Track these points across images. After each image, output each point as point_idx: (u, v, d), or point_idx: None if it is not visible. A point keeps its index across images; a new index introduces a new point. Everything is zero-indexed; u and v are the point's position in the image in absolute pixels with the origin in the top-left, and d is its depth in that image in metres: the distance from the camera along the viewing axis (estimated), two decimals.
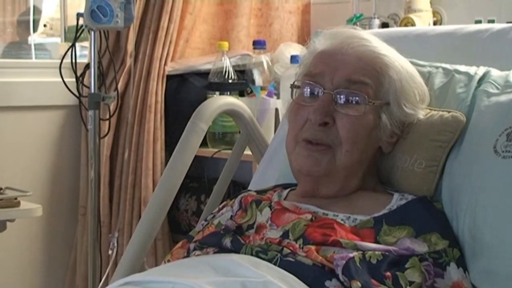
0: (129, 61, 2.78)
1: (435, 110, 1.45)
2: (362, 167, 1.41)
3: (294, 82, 1.47)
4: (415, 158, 1.42)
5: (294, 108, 1.44)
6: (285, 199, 1.45)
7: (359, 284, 1.17)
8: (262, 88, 2.64)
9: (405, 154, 1.43)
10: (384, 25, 2.74)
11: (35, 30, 3.34)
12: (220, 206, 1.53)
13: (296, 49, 2.70)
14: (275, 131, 2.26)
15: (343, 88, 1.38)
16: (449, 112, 1.43)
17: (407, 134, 1.44)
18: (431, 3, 2.69)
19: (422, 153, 1.41)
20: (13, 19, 3.46)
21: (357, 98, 1.37)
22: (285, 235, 1.30)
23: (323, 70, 1.40)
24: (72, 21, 3.02)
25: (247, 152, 1.97)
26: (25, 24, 3.40)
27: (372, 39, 1.45)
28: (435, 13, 2.70)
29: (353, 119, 1.37)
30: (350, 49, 1.40)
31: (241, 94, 2.67)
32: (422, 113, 1.44)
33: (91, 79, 2.45)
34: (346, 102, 1.38)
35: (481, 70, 1.49)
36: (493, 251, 1.26)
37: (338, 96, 1.38)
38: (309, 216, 1.34)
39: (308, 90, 1.42)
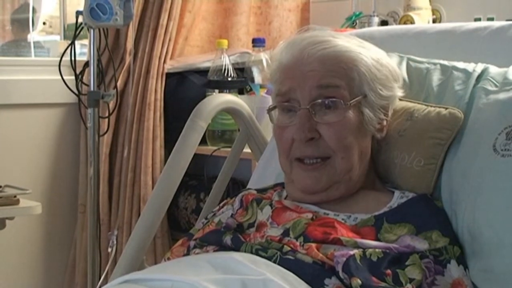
0: (128, 59, 2.78)
1: (432, 107, 1.45)
2: (363, 164, 1.41)
3: (269, 106, 1.46)
4: (414, 156, 1.42)
5: (277, 131, 1.43)
6: (285, 198, 1.45)
7: (359, 282, 1.17)
8: (261, 86, 2.64)
9: (404, 152, 1.43)
10: (384, 23, 2.74)
11: (33, 28, 3.33)
12: (221, 205, 1.53)
13: None
14: None
15: (316, 98, 1.36)
16: (446, 108, 1.43)
17: (405, 131, 1.44)
18: (430, 1, 2.68)
19: (421, 151, 1.41)
20: (13, 16, 3.46)
21: (333, 104, 1.36)
22: (285, 233, 1.31)
23: (292, 86, 1.39)
24: (71, 19, 3.01)
25: (247, 150, 1.97)
26: (19, 22, 3.39)
27: (330, 37, 1.42)
28: (434, 11, 2.70)
29: (337, 127, 1.36)
30: (310, 57, 1.38)
31: (241, 92, 2.66)
32: (400, 91, 1.45)
33: (90, 77, 2.45)
34: (324, 112, 1.37)
35: (479, 67, 1.49)
36: (492, 250, 1.26)
37: (315, 107, 1.37)
38: (309, 215, 1.34)
39: (285, 110, 1.41)
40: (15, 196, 2.33)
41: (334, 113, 1.37)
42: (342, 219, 1.34)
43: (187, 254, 1.40)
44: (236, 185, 2.54)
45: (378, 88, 1.41)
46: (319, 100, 1.37)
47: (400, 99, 1.48)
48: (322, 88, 1.37)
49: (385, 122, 1.44)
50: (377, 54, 1.45)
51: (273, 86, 1.47)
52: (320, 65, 1.37)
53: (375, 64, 1.42)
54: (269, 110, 1.46)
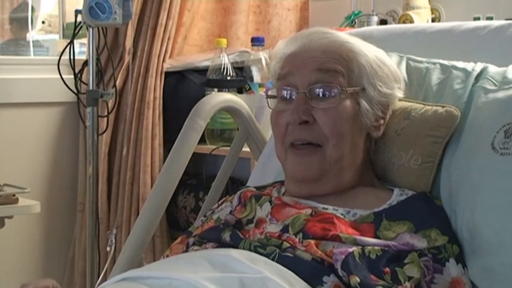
0: (127, 58, 2.78)
1: (429, 106, 1.45)
2: (355, 159, 1.41)
3: (268, 92, 1.47)
4: (411, 155, 1.42)
5: (273, 116, 1.45)
6: (283, 195, 1.46)
7: (358, 279, 1.17)
8: (260, 85, 2.64)
9: (401, 151, 1.43)
10: (383, 22, 2.74)
11: (32, 27, 3.34)
12: (220, 202, 1.54)
13: None
14: None
15: (314, 82, 1.38)
16: (443, 107, 1.43)
17: (402, 130, 1.44)
18: (429, 0, 2.69)
19: (418, 149, 1.41)
20: (12, 15, 3.46)
21: (330, 90, 1.38)
22: (284, 229, 1.31)
23: (292, 70, 1.41)
24: (70, 18, 3.02)
25: (246, 149, 1.97)
26: (18, 21, 3.39)
27: (335, 32, 1.46)
28: (433, 10, 2.70)
29: (332, 113, 1.37)
30: (313, 44, 1.41)
31: (240, 91, 2.67)
32: (400, 92, 1.46)
33: (89, 75, 2.45)
34: (320, 97, 1.38)
35: (478, 66, 1.49)
36: (492, 249, 1.26)
37: (312, 92, 1.38)
38: (309, 211, 1.34)
39: (282, 95, 1.42)
40: (14, 195, 2.34)
41: (331, 100, 1.38)
42: (341, 214, 1.34)
43: (186, 251, 1.40)
44: (235, 184, 2.54)
45: (378, 84, 1.42)
46: (317, 85, 1.38)
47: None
48: (322, 72, 1.38)
49: (382, 121, 1.44)
50: (380, 54, 1.47)
51: (273, 75, 1.49)
52: (321, 53, 1.40)
53: (377, 61, 1.43)
54: (268, 96, 1.47)
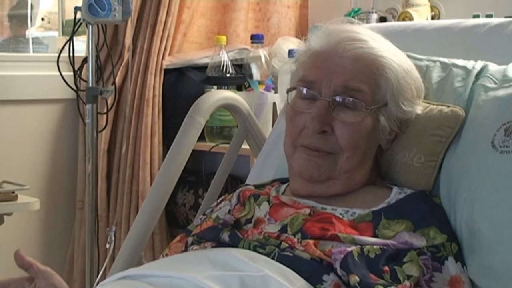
0: (127, 55, 2.78)
1: (434, 105, 1.45)
2: (364, 167, 1.41)
3: (290, 87, 1.44)
4: (414, 153, 1.41)
5: (290, 113, 1.41)
6: (283, 193, 1.45)
7: (357, 278, 1.17)
8: (260, 82, 2.64)
9: (404, 149, 1.43)
10: (382, 19, 2.74)
11: (32, 24, 3.34)
12: (219, 200, 1.53)
13: (294, 43, 2.70)
14: (272, 125, 2.25)
15: (340, 93, 1.35)
16: (448, 106, 1.43)
17: (406, 129, 1.43)
18: None
19: (421, 148, 1.41)
20: (11, 12, 3.46)
21: (354, 105, 1.35)
22: (283, 229, 1.30)
23: (319, 76, 1.38)
24: (70, 15, 3.02)
25: (245, 146, 1.97)
26: (18, 18, 3.40)
27: (369, 37, 1.41)
28: (433, 7, 2.71)
29: (352, 127, 1.35)
30: (345, 52, 1.37)
31: (239, 88, 2.67)
32: (419, 108, 1.44)
33: (88, 73, 2.45)
34: (343, 109, 1.36)
35: (478, 65, 1.48)
36: (491, 246, 1.26)
37: (335, 102, 1.36)
38: (307, 211, 1.33)
39: (305, 95, 1.39)
40: (13, 192, 2.34)
41: (353, 114, 1.36)
42: (340, 214, 1.33)
43: (185, 250, 1.40)
44: (235, 181, 2.54)
45: (400, 101, 1.39)
46: (341, 97, 1.35)
47: None
48: (348, 89, 1.35)
49: (394, 135, 1.43)
50: (409, 66, 1.44)
51: (296, 68, 1.46)
52: (352, 64, 1.36)
53: (405, 76, 1.40)
54: (289, 90, 1.44)
